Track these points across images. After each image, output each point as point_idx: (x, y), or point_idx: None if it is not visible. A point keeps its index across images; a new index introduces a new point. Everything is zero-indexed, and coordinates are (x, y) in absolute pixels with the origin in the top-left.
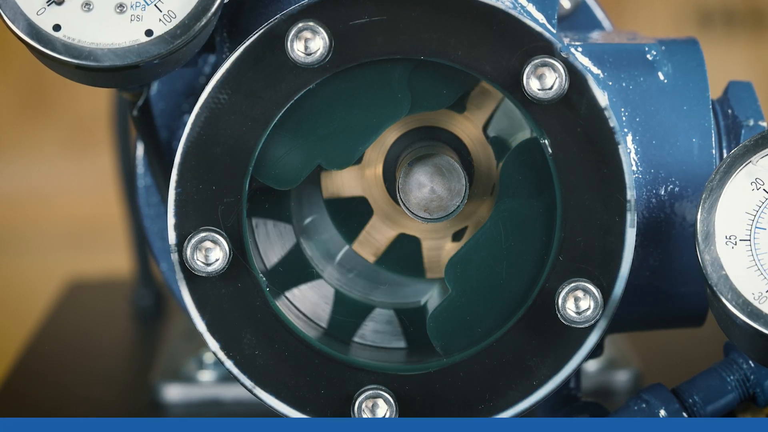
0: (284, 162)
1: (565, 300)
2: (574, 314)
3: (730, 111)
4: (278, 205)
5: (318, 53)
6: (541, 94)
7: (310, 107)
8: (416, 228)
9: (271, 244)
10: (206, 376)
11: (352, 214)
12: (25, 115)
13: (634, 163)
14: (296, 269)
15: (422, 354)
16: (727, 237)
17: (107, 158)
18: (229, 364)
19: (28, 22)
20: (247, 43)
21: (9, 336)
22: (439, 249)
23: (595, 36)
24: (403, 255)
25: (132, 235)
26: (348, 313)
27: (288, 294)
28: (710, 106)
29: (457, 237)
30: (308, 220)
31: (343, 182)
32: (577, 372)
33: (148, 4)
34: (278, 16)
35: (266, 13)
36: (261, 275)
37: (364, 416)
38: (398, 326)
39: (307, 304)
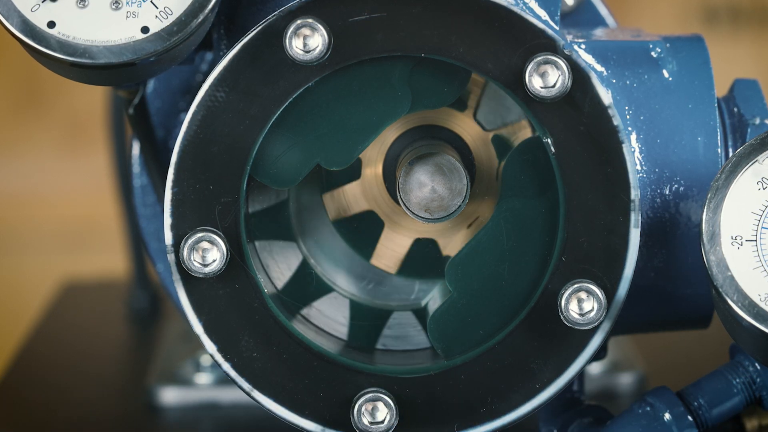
0: (282, 161)
1: (568, 301)
2: (577, 316)
3: (735, 109)
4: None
5: (317, 50)
6: (543, 92)
7: (308, 105)
8: (429, 230)
9: (279, 267)
10: (203, 378)
11: (362, 230)
12: (20, 114)
13: (638, 162)
14: (308, 287)
15: (421, 357)
16: (733, 237)
17: (103, 157)
18: (226, 366)
19: (22, 19)
20: (245, 40)
21: (3, 337)
22: (456, 245)
23: (599, 33)
24: (423, 259)
25: (128, 235)
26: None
27: (312, 319)
28: (716, 104)
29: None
30: (317, 243)
31: (348, 198)
32: (581, 375)
33: (144, 1)
34: (276, 12)
35: (264, 10)
36: (258, 276)
37: (364, 420)
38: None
39: (328, 321)
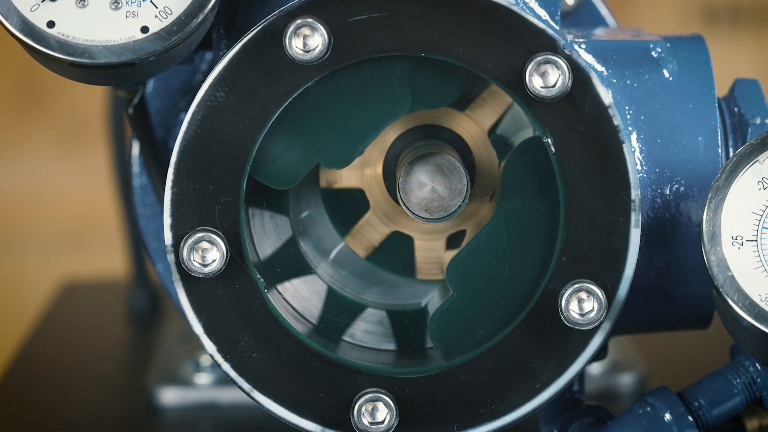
0: (282, 161)
1: (568, 301)
2: (577, 316)
3: (736, 109)
4: (276, 198)
5: (317, 50)
6: (544, 92)
7: (308, 105)
8: (412, 227)
9: (267, 236)
10: (203, 379)
11: (348, 208)
12: (20, 114)
13: (638, 162)
14: (290, 263)
15: (421, 357)
16: (734, 237)
17: (102, 157)
18: (226, 366)
19: (21, 19)
20: (245, 39)
21: (3, 337)
22: (433, 250)
23: (599, 33)
24: (396, 253)
25: (127, 235)
26: (342, 313)
27: (287, 296)
28: (716, 104)
29: (451, 240)
30: (305, 214)
31: (341, 173)
32: (581, 375)
33: (143, 1)
34: (276, 12)
35: (264, 10)
36: (258, 276)
37: (364, 420)
38: (391, 327)
39: (303, 303)
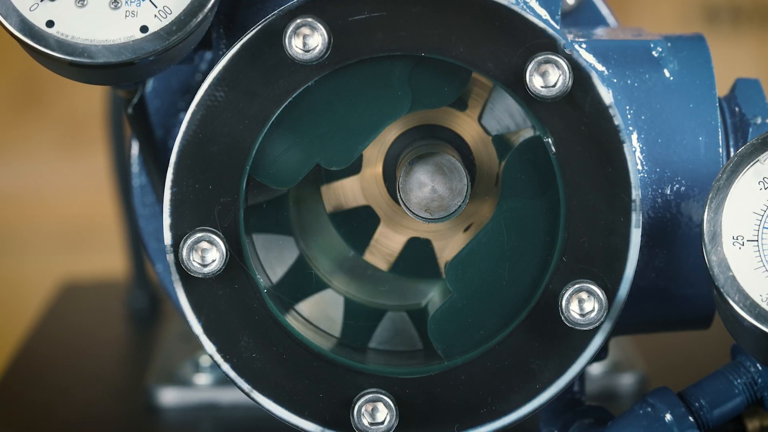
0: (282, 161)
1: (568, 302)
2: (578, 316)
3: (737, 109)
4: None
5: (316, 50)
6: (544, 92)
7: (308, 105)
8: (425, 229)
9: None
10: (202, 379)
11: (358, 225)
12: (19, 113)
13: (639, 161)
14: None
15: (423, 357)
16: (735, 237)
17: (102, 157)
18: (225, 367)
19: (20, 19)
20: (245, 39)
21: (3, 337)
22: (452, 248)
23: (600, 32)
24: (417, 259)
25: (127, 235)
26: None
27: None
28: (717, 104)
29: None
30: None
31: (345, 192)
32: (581, 375)
33: (143, 0)
34: (276, 11)
35: (264, 9)
36: (258, 276)
37: (364, 420)
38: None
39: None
